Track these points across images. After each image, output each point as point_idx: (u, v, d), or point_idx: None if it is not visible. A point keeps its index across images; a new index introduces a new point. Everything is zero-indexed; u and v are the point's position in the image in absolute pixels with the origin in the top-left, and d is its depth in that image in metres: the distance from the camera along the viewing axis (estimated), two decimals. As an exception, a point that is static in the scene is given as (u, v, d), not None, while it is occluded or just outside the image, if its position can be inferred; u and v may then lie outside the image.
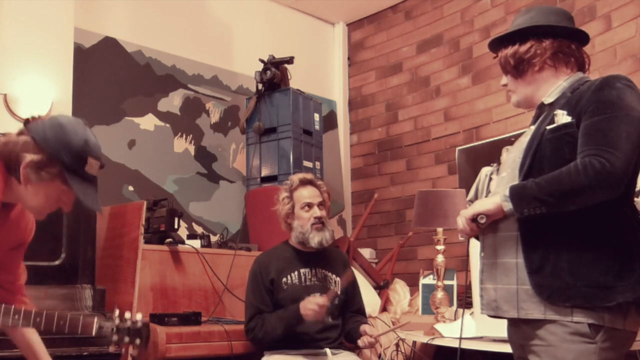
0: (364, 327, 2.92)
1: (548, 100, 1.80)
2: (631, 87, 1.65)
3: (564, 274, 1.60)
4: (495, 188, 1.83)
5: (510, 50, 1.83)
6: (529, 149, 1.71)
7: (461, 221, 1.78)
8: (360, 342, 2.89)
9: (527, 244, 1.66)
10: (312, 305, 2.71)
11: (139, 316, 1.83)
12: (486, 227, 1.74)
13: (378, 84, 5.11)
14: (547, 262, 1.62)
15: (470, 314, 2.94)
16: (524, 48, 1.80)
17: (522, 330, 1.72)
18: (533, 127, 1.79)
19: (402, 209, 4.77)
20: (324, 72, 5.26)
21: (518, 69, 1.82)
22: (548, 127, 1.70)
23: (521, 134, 1.90)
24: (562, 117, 1.69)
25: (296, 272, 2.97)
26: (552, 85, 1.81)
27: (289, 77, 4.17)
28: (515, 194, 1.63)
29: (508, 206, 1.64)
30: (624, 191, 1.60)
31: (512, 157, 1.81)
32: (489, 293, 1.76)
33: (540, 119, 1.77)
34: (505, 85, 1.91)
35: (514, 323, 1.77)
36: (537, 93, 1.83)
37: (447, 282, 3.44)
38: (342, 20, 5.33)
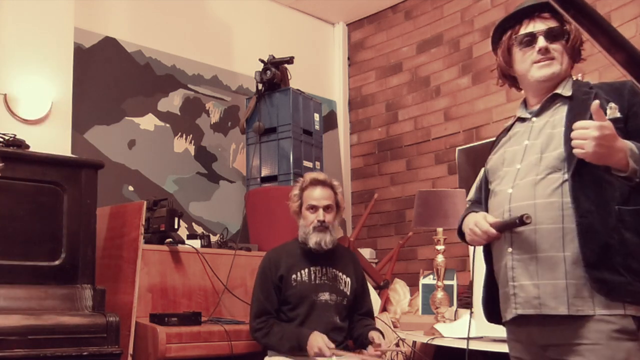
0: (372, 335, 2.87)
1: (567, 92, 1.76)
2: None
3: (620, 269, 1.56)
4: (514, 181, 1.74)
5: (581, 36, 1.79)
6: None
7: (479, 229, 1.72)
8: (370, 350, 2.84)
9: (584, 238, 1.60)
10: (320, 348, 2.70)
11: None
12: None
13: (378, 84, 5.11)
14: (604, 257, 1.58)
15: (470, 314, 2.94)
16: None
17: (550, 329, 1.65)
18: (547, 119, 1.74)
19: (402, 209, 4.77)
20: (324, 72, 5.26)
21: (577, 49, 1.80)
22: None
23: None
24: (615, 112, 1.64)
25: (306, 270, 2.96)
26: (566, 78, 1.80)
27: (289, 77, 4.17)
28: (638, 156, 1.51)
29: (633, 164, 1.50)
30: None
31: (515, 150, 1.77)
32: (527, 290, 1.68)
33: (567, 109, 1.72)
34: (545, 48, 1.77)
35: (537, 322, 1.68)
36: (561, 79, 1.79)
37: (447, 282, 3.44)
38: (342, 20, 5.33)
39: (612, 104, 1.64)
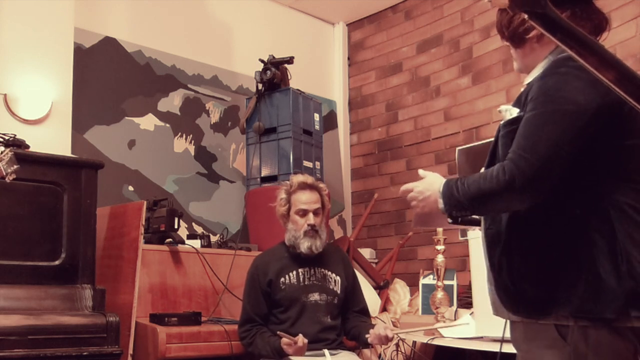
0: (371, 339, 2.79)
1: (527, 80, 1.59)
2: (577, 72, 1.40)
3: (514, 282, 1.51)
4: None
5: (505, 17, 1.61)
6: (491, 147, 1.60)
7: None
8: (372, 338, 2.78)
9: (488, 248, 1.58)
10: (287, 344, 2.71)
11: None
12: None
13: (378, 84, 5.11)
14: (502, 268, 1.53)
15: (470, 314, 2.94)
16: (519, 17, 1.52)
17: (511, 333, 1.65)
18: None
19: (402, 209, 4.77)
20: (324, 72, 5.26)
21: (514, 40, 1.62)
22: (501, 122, 1.56)
23: None
24: (507, 113, 1.54)
25: (294, 272, 2.97)
26: (535, 67, 1.59)
27: (289, 77, 4.17)
28: (446, 193, 1.54)
29: (441, 204, 1.56)
30: (592, 195, 1.44)
31: None
32: (489, 293, 1.69)
33: None
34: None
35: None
36: (529, 71, 1.61)
37: (447, 282, 3.44)
38: (342, 20, 5.33)
39: (503, 107, 1.56)
